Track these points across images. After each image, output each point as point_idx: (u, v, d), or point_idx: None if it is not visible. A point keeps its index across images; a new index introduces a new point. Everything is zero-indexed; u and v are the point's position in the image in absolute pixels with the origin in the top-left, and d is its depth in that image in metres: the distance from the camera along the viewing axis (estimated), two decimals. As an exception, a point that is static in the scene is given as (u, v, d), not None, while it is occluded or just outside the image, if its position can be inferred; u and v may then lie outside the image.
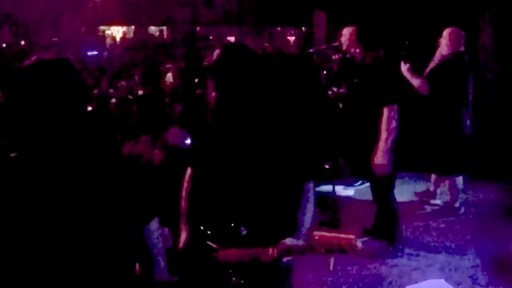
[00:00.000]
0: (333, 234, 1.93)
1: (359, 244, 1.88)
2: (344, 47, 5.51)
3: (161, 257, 1.93)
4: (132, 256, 1.88)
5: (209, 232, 2.23)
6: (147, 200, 1.87)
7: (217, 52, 2.36)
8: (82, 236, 1.64)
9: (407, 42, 5.02)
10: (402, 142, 4.18)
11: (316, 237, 1.92)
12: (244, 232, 2.18)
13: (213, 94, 2.38)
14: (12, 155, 1.64)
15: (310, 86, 6.06)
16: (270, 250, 2.07)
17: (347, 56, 5.27)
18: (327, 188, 5.64)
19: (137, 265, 1.95)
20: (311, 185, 2.31)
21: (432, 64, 5.14)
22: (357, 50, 4.25)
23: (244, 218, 2.21)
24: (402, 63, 4.98)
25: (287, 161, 2.27)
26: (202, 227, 2.27)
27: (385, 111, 3.99)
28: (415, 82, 4.99)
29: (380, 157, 4.03)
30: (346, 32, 5.51)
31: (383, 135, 4.00)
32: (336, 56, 5.42)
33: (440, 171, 5.28)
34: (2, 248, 1.60)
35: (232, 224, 2.20)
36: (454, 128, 5.04)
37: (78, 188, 1.63)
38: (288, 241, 2.11)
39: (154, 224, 1.88)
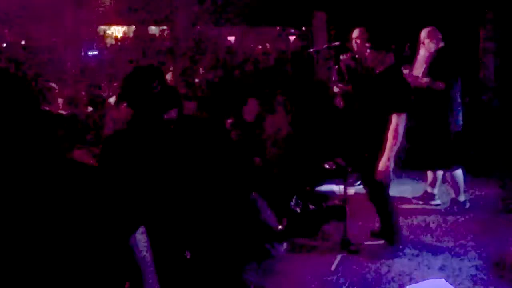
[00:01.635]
0: None
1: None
2: (355, 49, 5.57)
3: (150, 271, 1.80)
4: (122, 273, 1.77)
5: None
6: (130, 208, 1.74)
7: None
8: (62, 254, 1.54)
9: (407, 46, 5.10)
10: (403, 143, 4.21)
11: None
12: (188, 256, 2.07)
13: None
14: None
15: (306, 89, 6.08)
16: None
17: (356, 56, 5.33)
18: (327, 187, 5.66)
19: (127, 284, 1.84)
20: (255, 194, 2.32)
21: (421, 64, 5.19)
22: (367, 51, 4.30)
23: (190, 242, 2.11)
24: (402, 69, 5.07)
25: (225, 181, 2.20)
26: None
27: (394, 118, 4.04)
28: (424, 81, 5.05)
29: (384, 164, 4.08)
30: (354, 34, 5.61)
31: (390, 142, 4.06)
32: (345, 56, 5.45)
33: (438, 166, 5.30)
34: None
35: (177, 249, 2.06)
36: (447, 120, 5.09)
37: (47, 201, 1.53)
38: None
39: (139, 235, 1.76)
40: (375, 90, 4.21)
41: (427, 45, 5.19)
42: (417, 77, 5.13)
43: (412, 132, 5.24)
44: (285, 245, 2.33)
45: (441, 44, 5.18)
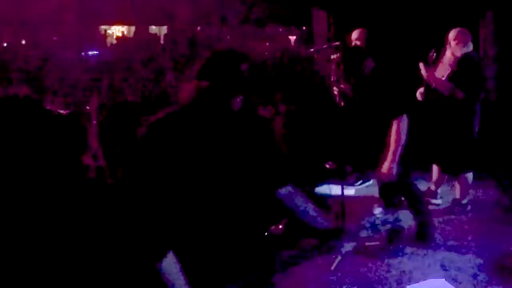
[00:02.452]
0: None
1: None
2: None
3: None
4: None
5: None
6: (155, 234, 1.59)
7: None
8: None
9: (433, 51, 5.05)
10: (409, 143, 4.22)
11: None
12: None
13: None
14: None
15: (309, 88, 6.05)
16: None
17: None
18: (327, 188, 5.64)
19: None
20: (290, 187, 2.28)
21: (445, 66, 5.12)
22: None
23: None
24: (424, 69, 5.04)
25: (258, 171, 2.16)
26: None
27: (394, 124, 4.06)
28: (444, 87, 4.99)
29: (387, 167, 4.12)
30: (353, 35, 5.60)
31: (392, 146, 4.09)
32: (335, 56, 5.43)
33: (454, 170, 5.27)
34: None
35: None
36: (468, 126, 5.07)
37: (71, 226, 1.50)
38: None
39: (169, 261, 1.59)
40: (368, 93, 4.21)
41: (453, 48, 5.04)
42: (441, 80, 5.04)
43: (428, 133, 5.21)
44: (348, 245, 2.22)
45: (469, 48, 5.05)
